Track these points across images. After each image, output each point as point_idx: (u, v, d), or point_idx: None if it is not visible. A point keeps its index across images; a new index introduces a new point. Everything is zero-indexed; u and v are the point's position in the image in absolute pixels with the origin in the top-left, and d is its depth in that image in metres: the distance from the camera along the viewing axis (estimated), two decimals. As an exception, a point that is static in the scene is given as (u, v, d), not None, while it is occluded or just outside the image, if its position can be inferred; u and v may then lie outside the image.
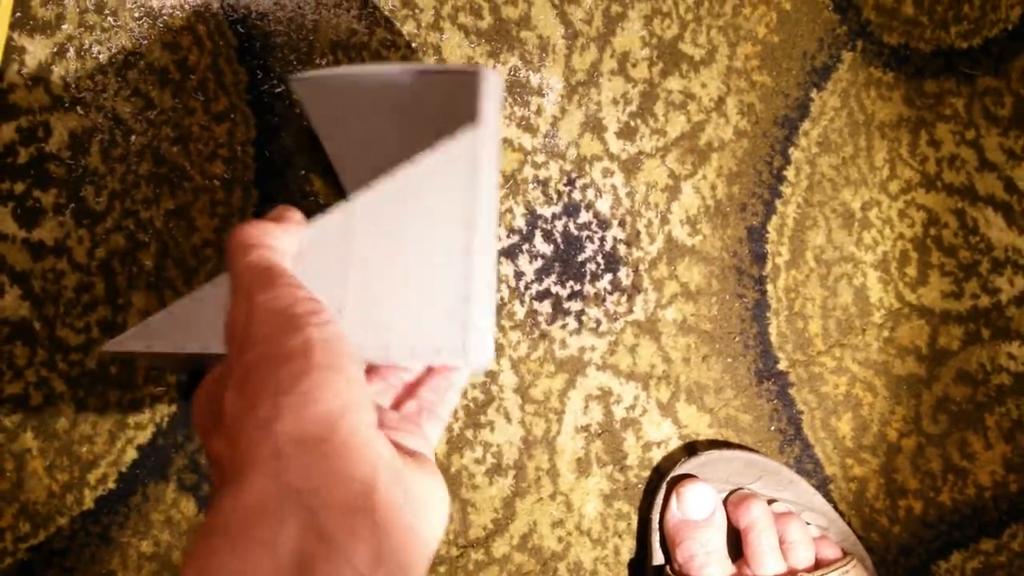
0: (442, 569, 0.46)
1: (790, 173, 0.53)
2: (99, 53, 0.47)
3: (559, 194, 0.50)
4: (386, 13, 0.50)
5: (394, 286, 0.34)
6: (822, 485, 0.51)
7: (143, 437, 0.46)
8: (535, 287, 0.50)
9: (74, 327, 0.46)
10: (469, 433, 0.48)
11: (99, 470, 0.45)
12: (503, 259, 0.49)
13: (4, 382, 0.45)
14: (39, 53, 0.47)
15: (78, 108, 0.47)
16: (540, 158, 0.50)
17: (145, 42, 0.48)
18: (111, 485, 0.45)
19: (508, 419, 0.48)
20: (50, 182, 0.46)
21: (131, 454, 0.46)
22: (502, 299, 0.49)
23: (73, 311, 0.46)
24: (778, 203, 0.52)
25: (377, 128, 0.41)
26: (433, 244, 0.35)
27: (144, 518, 0.45)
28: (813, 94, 0.53)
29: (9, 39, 0.47)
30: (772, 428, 0.51)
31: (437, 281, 0.34)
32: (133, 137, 0.47)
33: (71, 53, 0.47)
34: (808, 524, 0.47)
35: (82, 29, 0.47)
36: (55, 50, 0.47)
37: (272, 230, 0.33)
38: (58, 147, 0.47)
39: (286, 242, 0.34)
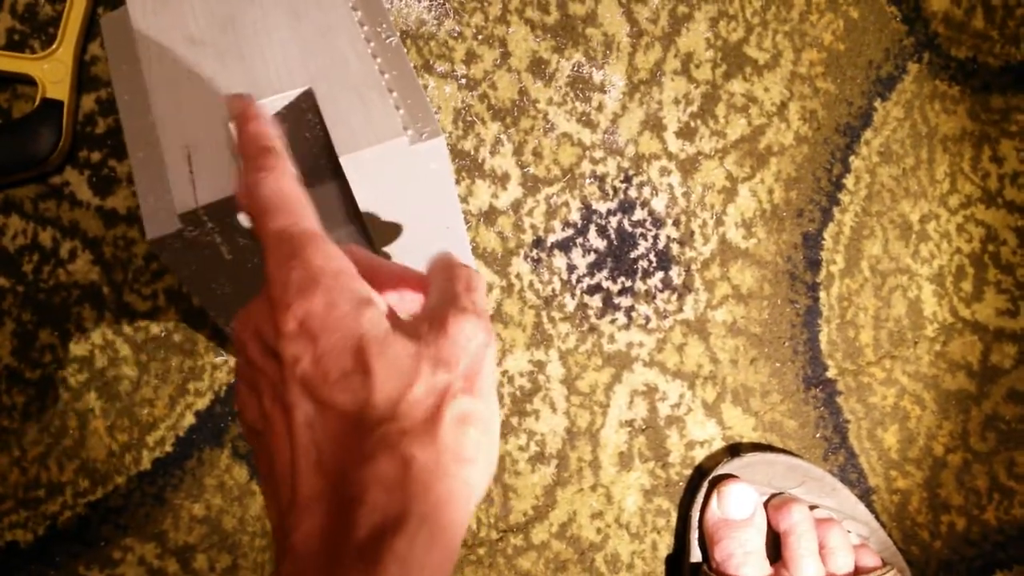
0: (481, 551, 0.47)
1: (849, 181, 0.52)
2: (178, 31, 0.49)
3: (615, 190, 0.51)
4: (455, 5, 0.51)
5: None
6: (865, 495, 0.50)
7: (201, 404, 0.47)
8: (586, 281, 0.50)
9: (141, 294, 0.47)
10: (514, 420, 0.48)
11: (158, 432, 0.47)
12: (556, 251, 0.50)
13: (71, 343, 0.47)
14: (122, 28, 0.49)
15: (156, 83, 0.49)
16: (599, 154, 0.51)
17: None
18: (168, 448, 0.47)
19: (553, 409, 0.49)
20: (125, 152, 0.48)
21: (189, 419, 0.47)
22: (553, 291, 0.50)
23: (141, 278, 0.48)
24: (836, 211, 0.52)
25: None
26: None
27: (198, 482, 0.47)
28: (877, 104, 0.53)
29: (94, 12, 0.49)
30: (817, 435, 0.51)
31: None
32: (206, 113, 0.49)
33: (151, 30, 0.49)
34: (849, 532, 0.47)
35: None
36: (137, 26, 0.49)
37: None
38: (135, 120, 0.48)
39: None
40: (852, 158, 0.53)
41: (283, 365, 0.26)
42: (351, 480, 0.24)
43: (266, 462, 0.27)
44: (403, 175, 0.35)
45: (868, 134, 0.53)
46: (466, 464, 0.25)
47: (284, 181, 0.29)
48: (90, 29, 0.49)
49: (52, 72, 0.47)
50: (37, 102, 0.47)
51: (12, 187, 0.47)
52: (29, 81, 0.47)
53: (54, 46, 0.47)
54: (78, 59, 0.48)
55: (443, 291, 0.29)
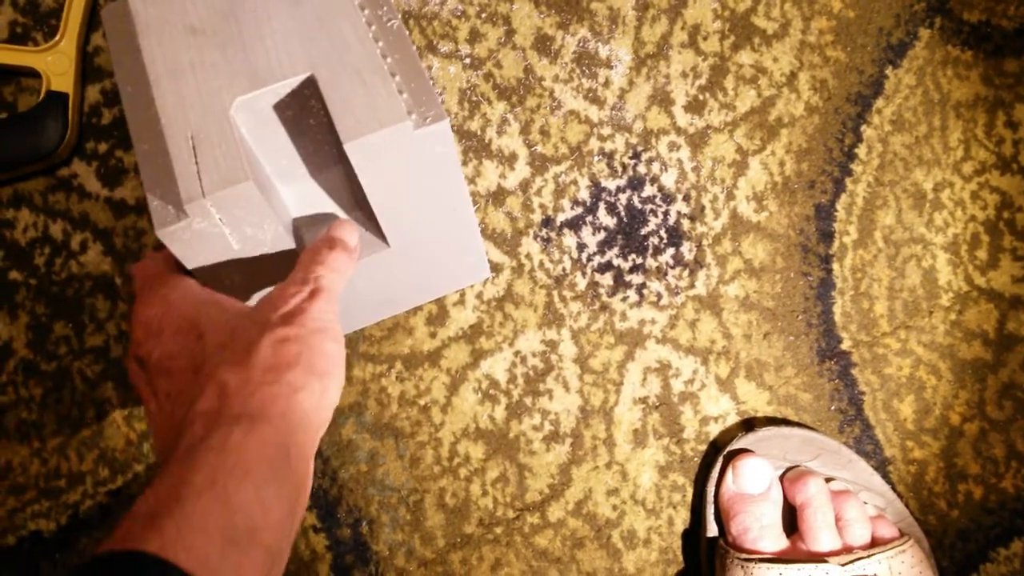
0: (499, 530, 0.47)
1: (861, 151, 0.52)
2: (180, 18, 0.49)
3: (624, 167, 0.50)
4: (458, -18, 0.50)
5: None
6: (881, 467, 0.50)
7: (216, 391, 0.47)
8: (597, 259, 0.50)
9: (153, 283, 0.48)
10: (528, 400, 0.48)
11: (174, 421, 0.47)
12: (566, 230, 0.50)
13: (87, 334, 0.47)
14: (123, 17, 0.48)
15: (159, 72, 0.48)
16: (606, 131, 0.50)
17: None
18: (185, 436, 0.47)
19: (567, 388, 0.49)
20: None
21: (204, 407, 0.47)
22: (564, 270, 0.49)
23: (152, 268, 0.48)
24: (848, 181, 0.52)
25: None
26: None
27: (215, 469, 0.47)
28: (888, 71, 0.52)
29: (95, 3, 0.49)
30: (832, 408, 0.50)
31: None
32: (211, 101, 0.48)
33: (153, 18, 0.49)
34: (865, 503, 0.47)
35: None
36: (138, 15, 0.49)
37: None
38: (140, 109, 0.48)
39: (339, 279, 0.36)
40: (864, 127, 0.52)
41: (144, 363, 0.34)
42: (189, 415, 0.29)
43: (172, 387, 0.33)
44: (408, 159, 0.35)
45: (880, 102, 0.52)
46: (285, 371, 0.30)
47: None
48: (92, 20, 0.49)
49: (56, 64, 0.47)
50: (42, 95, 0.47)
51: (21, 180, 0.48)
52: (33, 74, 0.47)
53: (57, 38, 0.47)
54: (81, 50, 0.48)
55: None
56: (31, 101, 0.48)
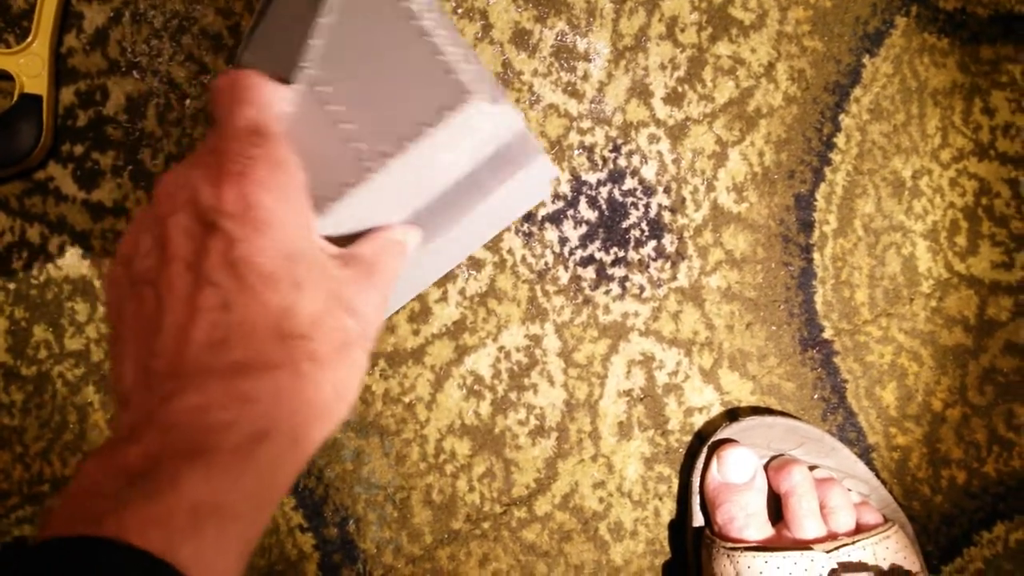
0: (486, 525, 0.47)
1: (840, 140, 0.52)
2: (153, 18, 0.48)
3: (604, 160, 0.50)
4: (434, -23, 0.50)
5: (378, 100, 0.34)
6: (864, 454, 0.51)
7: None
8: (579, 253, 0.50)
9: (132, 286, 0.47)
10: (513, 395, 0.48)
11: (157, 424, 0.47)
12: (547, 225, 0.50)
13: (67, 337, 0.47)
14: (96, 18, 0.48)
15: (134, 72, 0.48)
16: (586, 124, 0.50)
17: (198, 7, 0.49)
18: (168, 438, 0.47)
19: (551, 382, 0.49)
20: (108, 144, 0.48)
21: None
22: (546, 264, 0.49)
23: (131, 270, 0.47)
24: (827, 170, 0.52)
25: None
26: (386, 44, 0.35)
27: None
28: (865, 60, 0.52)
29: (67, 4, 0.48)
30: (815, 396, 0.51)
31: (411, 66, 0.34)
32: (188, 101, 0.48)
33: (127, 18, 0.48)
34: (849, 491, 0.47)
35: (138, -6, 0.48)
36: (112, 15, 0.48)
37: (268, 87, 0.31)
38: (115, 111, 0.48)
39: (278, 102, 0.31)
40: (842, 116, 0.52)
41: (214, 238, 0.26)
42: (247, 378, 0.24)
43: (137, 314, 0.27)
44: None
45: (857, 91, 0.52)
46: (346, 395, 0.27)
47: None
48: (65, 21, 0.48)
49: (28, 66, 0.46)
50: (15, 98, 0.46)
51: (-4, 184, 0.47)
52: (6, 76, 0.47)
53: (29, 39, 0.47)
54: (55, 52, 0.47)
55: (373, 242, 0.32)
56: (4, 104, 0.47)
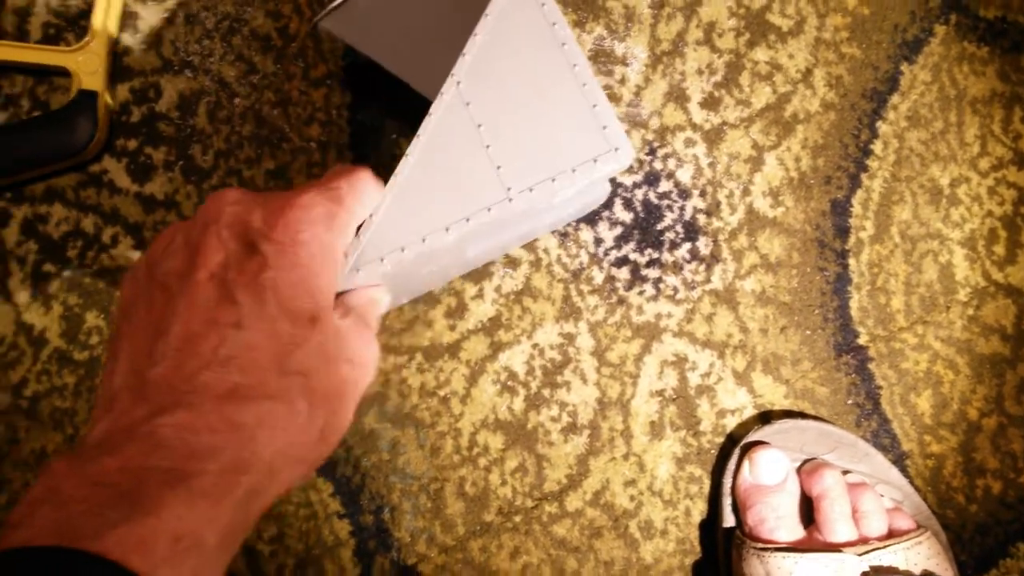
0: (517, 519, 0.48)
1: (877, 147, 0.52)
2: (206, 19, 0.50)
3: (640, 163, 0.51)
4: (477, -18, 0.51)
5: (528, 129, 0.37)
6: (898, 461, 0.50)
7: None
8: (614, 254, 0.51)
9: (180, 276, 0.49)
10: (546, 392, 0.49)
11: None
12: (582, 226, 0.50)
13: (116, 326, 0.48)
14: (151, 18, 0.50)
15: (187, 71, 0.50)
16: (623, 127, 0.51)
17: (249, 9, 0.50)
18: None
19: (584, 380, 0.49)
20: (160, 140, 0.49)
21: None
22: (581, 264, 0.50)
23: (179, 261, 0.49)
24: (864, 177, 0.52)
25: (426, 23, 0.41)
26: (540, 77, 0.37)
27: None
28: (903, 67, 0.53)
29: (125, 5, 0.50)
30: (849, 402, 0.51)
31: (563, 105, 0.37)
32: (237, 100, 0.50)
33: (180, 19, 0.50)
34: (882, 496, 0.47)
35: (193, -4, 0.50)
36: (166, 16, 0.50)
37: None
38: (168, 107, 0.50)
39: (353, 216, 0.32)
40: (879, 123, 0.52)
41: (250, 259, 0.27)
42: (242, 404, 0.25)
43: (146, 317, 0.27)
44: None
45: (895, 98, 0.52)
46: (330, 439, 0.29)
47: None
48: (121, 20, 0.50)
49: (86, 64, 0.48)
50: (73, 93, 0.48)
51: (53, 176, 0.49)
52: (64, 73, 0.49)
53: (87, 38, 0.49)
54: (111, 50, 0.49)
55: (359, 297, 0.33)
56: (62, 100, 0.49)
